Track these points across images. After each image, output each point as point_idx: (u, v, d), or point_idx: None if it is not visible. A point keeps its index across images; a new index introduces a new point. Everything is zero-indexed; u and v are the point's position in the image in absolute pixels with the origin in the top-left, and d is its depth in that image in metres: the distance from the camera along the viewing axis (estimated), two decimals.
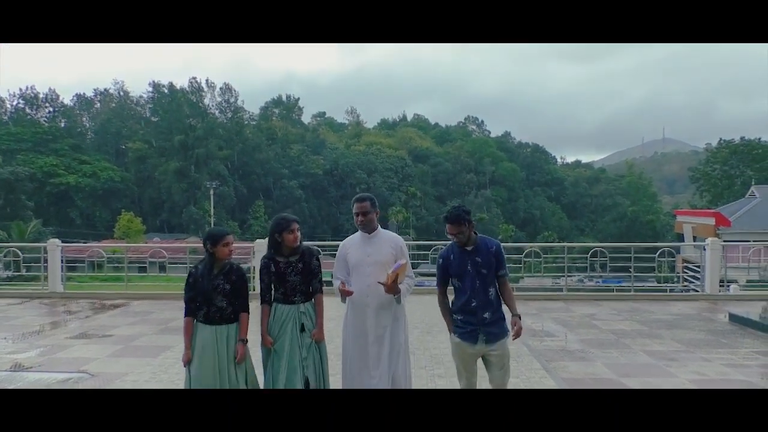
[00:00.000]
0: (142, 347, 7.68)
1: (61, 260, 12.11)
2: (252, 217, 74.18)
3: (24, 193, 57.28)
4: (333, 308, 5.16)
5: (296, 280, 4.21)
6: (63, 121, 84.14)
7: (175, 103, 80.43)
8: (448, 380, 6.00)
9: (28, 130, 73.24)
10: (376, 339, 4.29)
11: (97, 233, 62.86)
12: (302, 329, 4.19)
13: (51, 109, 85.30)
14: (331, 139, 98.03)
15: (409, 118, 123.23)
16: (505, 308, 4.19)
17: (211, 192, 64.08)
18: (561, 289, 12.18)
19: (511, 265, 12.03)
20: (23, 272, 13.53)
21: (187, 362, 4.11)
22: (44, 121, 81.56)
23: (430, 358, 6.94)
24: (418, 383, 5.90)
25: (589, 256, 12.36)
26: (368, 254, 4.30)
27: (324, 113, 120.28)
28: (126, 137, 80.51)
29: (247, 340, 4.18)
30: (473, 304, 4.03)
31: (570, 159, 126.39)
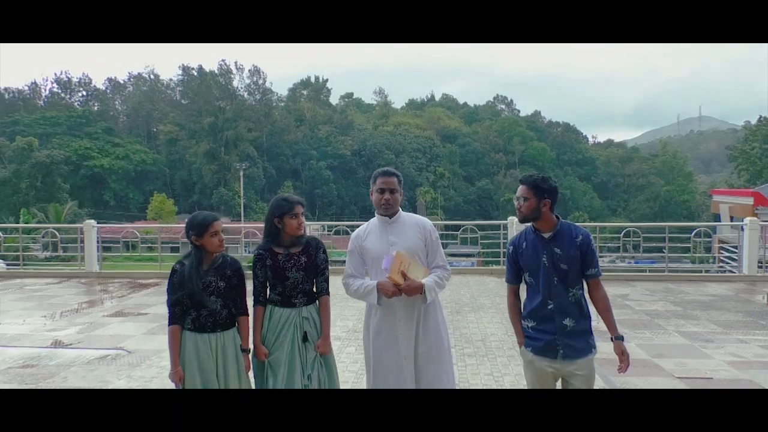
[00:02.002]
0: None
1: (97, 241, 12.40)
2: None
3: (60, 175, 58.76)
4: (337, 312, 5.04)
5: (298, 277, 3.39)
6: (96, 104, 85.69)
7: (204, 86, 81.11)
8: (477, 359, 5.99)
9: (63, 114, 74.89)
10: (410, 348, 3.44)
11: (131, 214, 64.19)
12: (305, 338, 3.37)
13: (84, 93, 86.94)
14: (359, 120, 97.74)
15: (438, 98, 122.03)
16: (596, 324, 3.21)
17: (241, 173, 64.70)
18: None
19: None
20: (61, 253, 13.92)
21: (180, 380, 3.28)
22: (78, 105, 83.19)
23: (459, 336, 6.92)
24: None
25: (621, 236, 12.15)
26: (391, 243, 3.45)
27: (352, 94, 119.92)
28: (157, 120, 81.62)
29: (250, 350, 3.45)
30: (549, 307, 3.12)
31: (602, 138, 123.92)
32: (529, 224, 3.24)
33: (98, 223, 13.20)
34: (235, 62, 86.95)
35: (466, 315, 7.95)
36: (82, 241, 12.38)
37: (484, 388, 5.16)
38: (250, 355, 3.45)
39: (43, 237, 13.87)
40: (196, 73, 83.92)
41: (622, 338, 3.17)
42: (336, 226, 15.98)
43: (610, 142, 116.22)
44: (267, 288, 3.45)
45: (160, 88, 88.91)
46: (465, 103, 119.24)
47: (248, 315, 3.45)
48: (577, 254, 3.12)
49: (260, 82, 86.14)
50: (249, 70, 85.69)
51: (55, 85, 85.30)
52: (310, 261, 3.44)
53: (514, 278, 3.34)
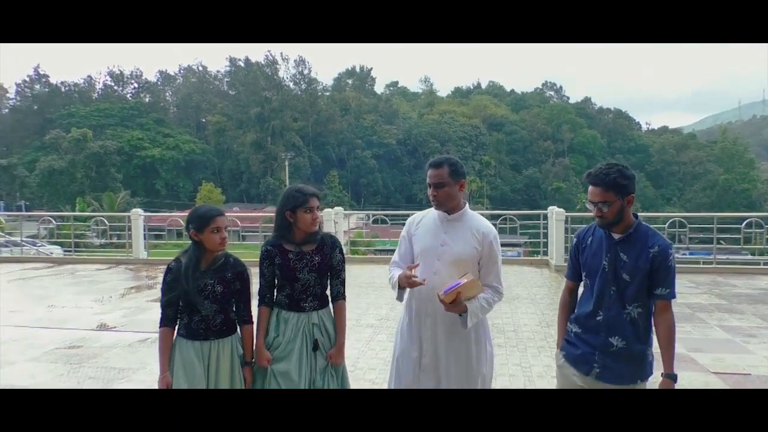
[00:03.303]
0: None
1: (144, 228, 12.83)
2: (327, 187, 75.47)
3: (113, 165, 61.05)
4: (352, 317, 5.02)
5: (309, 278, 3.01)
6: (147, 96, 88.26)
7: (251, 77, 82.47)
8: (507, 350, 5.94)
9: (116, 106, 77.57)
10: (432, 368, 2.99)
11: (181, 203, 66.03)
12: (315, 347, 3.00)
13: (136, 86, 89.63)
14: (404, 108, 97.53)
15: (484, 85, 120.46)
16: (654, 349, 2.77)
17: (286, 163, 65.60)
18: None
19: None
20: (113, 240, 14.50)
21: (167, 387, 2.94)
22: (130, 97, 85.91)
23: (491, 326, 6.86)
24: None
25: (666, 226, 11.76)
26: (442, 242, 2.98)
27: (397, 82, 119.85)
28: (206, 111, 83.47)
29: (253, 364, 3.06)
30: (598, 319, 2.71)
31: (656, 125, 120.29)
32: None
33: (149, 211, 13.70)
34: (281, 53, 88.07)
35: (500, 305, 7.86)
36: (130, 229, 12.85)
37: (511, 377, 5.13)
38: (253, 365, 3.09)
39: (95, 225, 14.46)
40: (243, 65, 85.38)
41: (674, 378, 2.69)
42: (378, 216, 16.02)
43: (664, 129, 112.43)
44: (274, 288, 3.11)
45: (208, 80, 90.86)
46: (512, 91, 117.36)
47: (253, 323, 3.09)
48: (646, 266, 2.61)
49: (305, 72, 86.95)
50: (294, 61, 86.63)
51: (108, 78, 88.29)
52: (324, 261, 3.06)
53: (573, 275, 2.94)
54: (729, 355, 5.80)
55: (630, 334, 2.66)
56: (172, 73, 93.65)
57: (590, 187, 2.65)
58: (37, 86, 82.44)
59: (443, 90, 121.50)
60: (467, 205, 3.06)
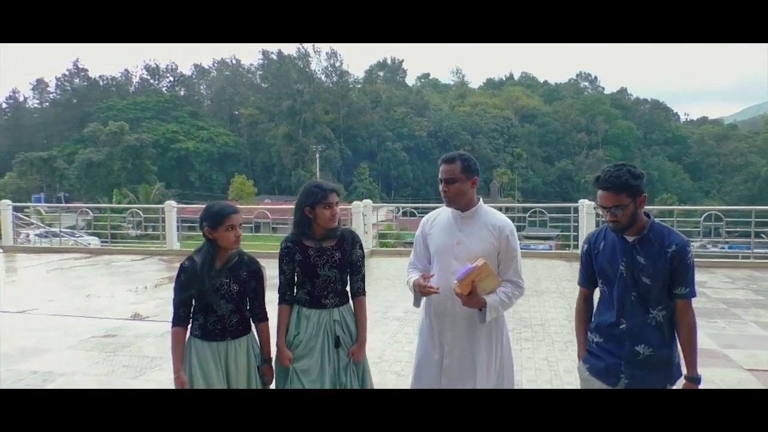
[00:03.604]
0: None
1: (177, 220, 13.09)
2: (357, 180, 75.72)
3: (148, 158, 62.46)
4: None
5: (330, 275, 2.97)
6: (182, 89, 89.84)
7: (283, 70, 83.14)
8: (534, 343, 5.90)
9: (152, 99, 79.24)
10: (454, 368, 2.93)
11: (214, 195, 67.04)
12: (337, 344, 2.98)
13: (171, 79, 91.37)
14: (435, 100, 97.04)
15: (516, 76, 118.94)
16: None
17: (317, 155, 66.01)
18: None
19: None
20: (148, 231, 14.83)
21: (183, 387, 2.89)
22: (165, 90, 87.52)
23: (519, 321, 6.83)
24: None
25: (702, 220, 11.48)
26: (457, 240, 2.91)
27: (428, 74, 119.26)
28: (239, 103, 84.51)
29: (272, 360, 3.06)
30: (622, 327, 2.58)
31: (695, 115, 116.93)
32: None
33: (183, 203, 13.96)
34: (313, 46, 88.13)
35: (528, 299, 7.81)
36: (164, 221, 13.12)
37: (537, 371, 5.09)
38: (273, 362, 3.07)
39: (131, 216, 14.83)
40: (275, 57, 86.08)
41: (697, 380, 2.59)
42: (407, 208, 16.03)
43: (704, 120, 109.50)
44: (294, 285, 3.07)
45: (241, 73, 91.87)
46: (545, 81, 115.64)
47: (268, 320, 3.07)
48: (665, 267, 2.49)
49: (337, 64, 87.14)
50: (326, 53, 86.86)
51: (144, 72, 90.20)
52: (345, 257, 3.01)
53: (586, 281, 2.79)
54: (763, 351, 5.64)
55: (656, 340, 2.55)
56: (207, 67, 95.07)
57: (600, 192, 2.51)
58: (77, 80, 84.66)
59: (475, 81, 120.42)
60: (481, 200, 2.97)
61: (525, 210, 14.01)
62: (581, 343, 2.81)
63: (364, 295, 3.14)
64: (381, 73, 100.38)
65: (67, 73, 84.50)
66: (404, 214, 19.33)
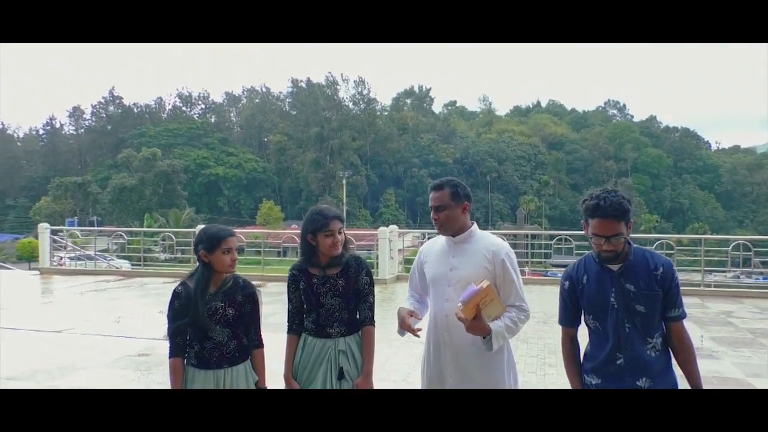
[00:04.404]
0: (275, 323, 8.26)
1: None
2: (383, 206, 76.12)
3: (179, 183, 63.88)
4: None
5: (334, 303, 2.86)
6: (213, 117, 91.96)
7: (312, 97, 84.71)
8: (558, 369, 5.87)
9: (183, 126, 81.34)
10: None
11: (243, 220, 68.02)
12: (341, 375, 2.84)
13: (203, 107, 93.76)
14: (462, 127, 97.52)
15: (544, 104, 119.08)
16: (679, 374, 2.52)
17: (344, 182, 66.63)
18: (698, 284, 11.26)
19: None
20: (177, 255, 15.14)
21: None
22: (197, 117, 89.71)
23: (543, 346, 6.82)
24: (527, 370, 5.87)
25: (730, 249, 11.30)
26: (450, 266, 2.81)
27: (455, 102, 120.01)
28: (267, 130, 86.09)
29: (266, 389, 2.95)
30: (619, 362, 2.41)
31: (726, 144, 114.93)
32: (589, 253, 2.52)
33: None
34: (341, 74, 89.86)
35: (553, 325, 7.77)
36: None
37: None
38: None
39: (162, 240, 15.18)
40: (304, 85, 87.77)
41: None
42: (432, 234, 16.08)
43: (736, 149, 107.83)
44: (303, 314, 2.96)
45: (271, 100, 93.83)
46: (573, 109, 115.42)
47: (263, 347, 2.95)
48: (657, 291, 2.37)
49: (365, 92, 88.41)
50: (354, 81, 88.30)
51: (177, 99, 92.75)
52: (349, 285, 2.88)
53: (570, 321, 2.59)
54: None
55: (655, 370, 2.41)
56: (237, 94, 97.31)
57: (598, 221, 2.33)
58: (111, 107, 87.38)
59: (502, 109, 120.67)
60: (475, 225, 2.89)
61: (551, 237, 13.95)
62: (576, 387, 2.60)
63: (372, 324, 2.96)
64: (408, 101, 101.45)
65: (102, 100, 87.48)
66: (430, 239, 19.36)
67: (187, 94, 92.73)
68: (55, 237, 14.64)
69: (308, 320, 2.92)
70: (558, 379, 5.59)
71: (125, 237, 15.52)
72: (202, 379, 2.75)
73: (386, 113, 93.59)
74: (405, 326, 2.75)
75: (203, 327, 2.74)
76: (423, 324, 2.93)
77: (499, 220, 74.12)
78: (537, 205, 76.56)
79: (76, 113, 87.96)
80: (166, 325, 2.82)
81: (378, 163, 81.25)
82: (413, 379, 5.55)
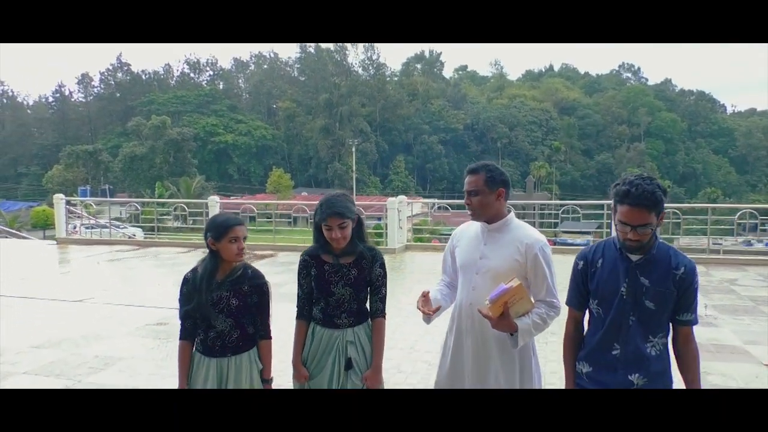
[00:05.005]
0: (287, 294, 8.49)
1: None
2: (393, 173, 76.08)
3: (189, 151, 64.15)
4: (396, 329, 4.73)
5: (345, 293, 2.80)
6: (221, 83, 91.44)
7: (321, 63, 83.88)
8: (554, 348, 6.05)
9: (192, 93, 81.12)
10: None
11: (253, 188, 68.34)
12: (348, 365, 2.79)
13: (211, 73, 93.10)
14: (473, 93, 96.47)
15: (557, 68, 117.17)
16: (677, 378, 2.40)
17: (353, 149, 66.57)
18: (704, 251, 11.31)
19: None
20: (189, 224, 15.41)
21: None
22: (205, 84, 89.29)
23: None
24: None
25: (736, 218, 11.32)
26: (481, 255, 2.71)
27: (466, 67, 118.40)
28: (276, 97, 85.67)
29: (272, 380, 2.90)
30: (614, 353, 2.34)
31: (742, 107, 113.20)
32: (611, 237, 2.41)
33: (223, 195, 14.47)
34: None
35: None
36: (208, 215, 13.61)
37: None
38: (292, 380, 2.93)
39: (174, 210, 15.45)
40: (313, 50, 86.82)
41: None
42: (442, 204, 16.19)
43: (752, 111, 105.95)
44: (312, 300, 2.90)
45: (279, 66, 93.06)
46: (586, 73, 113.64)
47: (270, 338, 2.91)
48: (672, 291, 2.26)
49: (374, 57, 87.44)
50: (363, 46, 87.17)
51: (185, 66, 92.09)
52: (362, 276, 2.82)
53: (578, 303, 2.48)
54: None
55: (652, 370, 2.31)
56: (245, 60, 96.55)
57: (627, 208, 2.19)
58: (120, 74, 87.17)
59: (513, 73, 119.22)
60: (512, 213, 2.77)
61: (560, 207, 14.02)
62: (568, 375, 2.53)
63: (384, 317, 2.89)
64: (418, 66, 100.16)
65: (110, 67, 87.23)
66: (439, 208, 19.44)
67: (195, 60, 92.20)
68: (69, 207, 14.92)
69: (317, 308, 2.86)
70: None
71: (138, 207, 15.77)
72: (206, 366, 2.75)
73: (396, 79, 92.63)
74: (425, 309, 2.70)
75: (206, 316, 2.73)
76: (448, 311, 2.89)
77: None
78: (548, 171, 76.13)
79: (84, 80, 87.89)
80: (178, 309, 2.85)
81: (388, 130, 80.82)
82: (420, 347, 5.74)
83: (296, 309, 2.93)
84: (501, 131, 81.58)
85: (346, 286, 2.79)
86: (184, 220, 15.20)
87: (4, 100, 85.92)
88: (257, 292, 2.81)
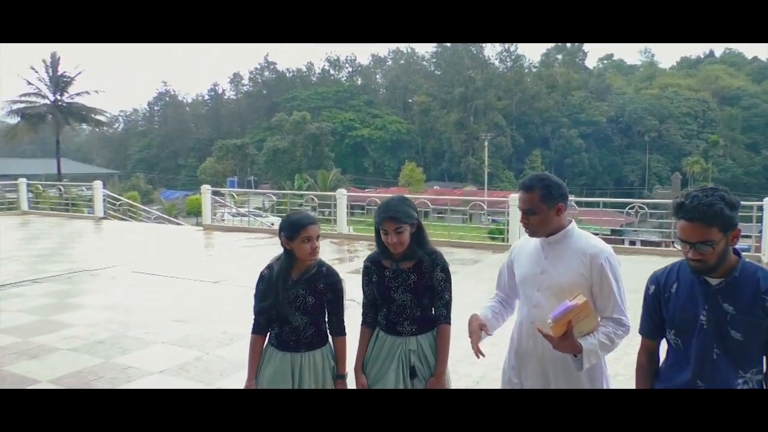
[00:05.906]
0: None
1: (347, 206, 14.04)
2: (528, 167, 73.84)
3: (327, 145, 67.17)
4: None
5: (405, 299, 2.72)
6: (359, 79, 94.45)
7: (456, 56, 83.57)
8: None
9: (331, 89, 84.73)
10: None
11: (386, 181, 69.83)
12: (413, 374, 2.71)
13: (350, 69, 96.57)
14: (618, 83, 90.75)
15: (718, 53, 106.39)
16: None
17: (485, 143, 65.59)
18: None
19: None
20: (320, 216, 16.13)
21: None
22: (344, 80, 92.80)
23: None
24: None
25: None
26: (542, 269, 2.53)
27: (611, 55, 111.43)
28: (412, 91, 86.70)
29: (346, 376, 2.89)
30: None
31: None
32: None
33: (357, 188, 15.02)
34: None
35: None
36: (336, 206, 14.13)
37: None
38: (347, 379, 2.92)
39: (306, 202, 16.26)
40: (449, 44, 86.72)
41: None
42: (580, 200, 15.42)
43: None
44: (376, 307, 2.85)
45: (416, 61, 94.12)
46: (755, 58, 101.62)
47: (345, 335, 2.90)
48: (761, 320, 1.95)
49: (512, 49, 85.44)
50: None
51: (326, 63, 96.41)
52: (422, 281, 2.72)
53: (651, 332, 2.24)
54: None
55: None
56: (383, 56, 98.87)
57: (684, 223, 1.96)
58: (266, 73, 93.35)
59: (666, 61, 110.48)
60: (573, 223, 2.57)
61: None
62: None
63: (448, 323, 2.76)
64: (559, 56, 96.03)
65: (258, 66, 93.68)
66: (578, 204, 18.54)
67: (335, 57, 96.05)
68: (216, 197, 16.26)
69: (381, 314, 2.81)
70: None
71: (275, 198, 16.80)
72: (279, 360, 2.80)
73: (534, 70, 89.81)
74: (473, 345, 2.51)
75: (283, 313, 2.76)
76: (507, 326, 2.76)
77: (657, 184, 68.68)
78: (703, 167, 69.70)
79: (236, 79, 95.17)
80: (253, 304, 2.89)
81: (524, 123, 78.67)
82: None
83: (362, 315, 2.90)
84: (649, 124, 76.01)
85: (406, 291, 2.72)
86: (315, 210, 15.96)
87: (167, 99, 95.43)
88: (332, 289, 2.82)
